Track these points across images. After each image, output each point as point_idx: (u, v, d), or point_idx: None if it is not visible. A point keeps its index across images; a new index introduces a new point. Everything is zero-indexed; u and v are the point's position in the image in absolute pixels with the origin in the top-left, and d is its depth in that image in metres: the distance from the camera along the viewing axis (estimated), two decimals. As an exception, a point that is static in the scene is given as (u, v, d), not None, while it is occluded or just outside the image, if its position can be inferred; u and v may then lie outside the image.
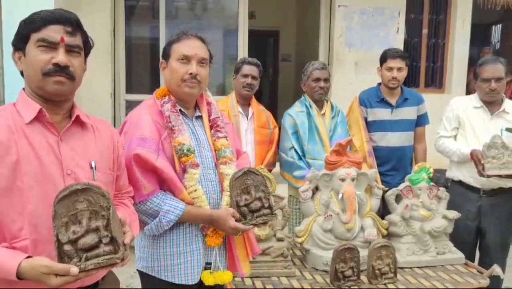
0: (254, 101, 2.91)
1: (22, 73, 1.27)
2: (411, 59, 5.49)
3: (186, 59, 1.61)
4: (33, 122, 1.20)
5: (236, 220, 1.58)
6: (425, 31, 5.47)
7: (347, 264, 2.19)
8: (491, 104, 2.66)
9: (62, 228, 1.08)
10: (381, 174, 2.92)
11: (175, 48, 1.65)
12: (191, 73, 1.59)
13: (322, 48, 5.32)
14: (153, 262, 1.60)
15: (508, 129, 2.61)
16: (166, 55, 1.68)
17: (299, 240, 2.43)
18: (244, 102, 2.85)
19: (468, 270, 2.40)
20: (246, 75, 2.80)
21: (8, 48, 2.24)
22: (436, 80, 5.58)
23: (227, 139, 1.71)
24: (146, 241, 1.62)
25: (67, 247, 1.07)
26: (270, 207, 1.67)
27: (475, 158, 2.48)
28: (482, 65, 2.65)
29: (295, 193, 2.76)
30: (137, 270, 1.69)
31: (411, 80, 5.48)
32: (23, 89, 1.28)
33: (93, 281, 1.29)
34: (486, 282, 2.28)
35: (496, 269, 2.32)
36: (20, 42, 1.24)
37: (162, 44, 4.85)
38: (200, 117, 1.73)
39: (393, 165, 2.93)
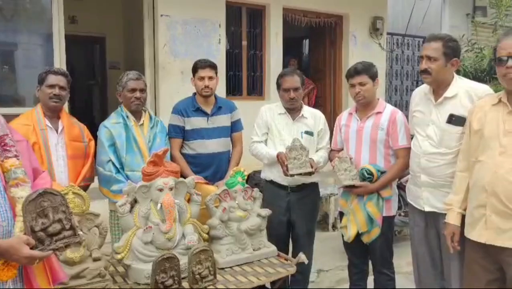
0: (64, 113, 2.70)
1: None
2: (234, 69, 5.87)
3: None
4: None
5: (31, 248, 1.45)
6: (244, 43, 5.90)
7: (167, 274, 2.21)
8: (292, 110, 3.01)
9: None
10: (207, 180, 3.02)
11: None
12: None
13: (147, 56, 5.29)
14: None
15: (307, 132, 2.99)
16: None
17: (119, 256, 2.35)
18: (52, 115, 2.62)
19: (279, 260, 2.67)
20: (52, 86, 2.58)
21: None
22: (257, 88, 6.06)
23: (18, 159, 1.55)
24: None
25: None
26: (72, 228, 1.58)
27: (280, 160, 2.78)
28: (283, 76, 2.99)
29: (115, 208, 2.67)
30: None
31: (235, 89, 5.84)
32: None
33: None
34: (293, 269, 2.57)
35: (301, 257, 2.63)
36: None
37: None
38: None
39: (214, 170, 3.07)
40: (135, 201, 2.43)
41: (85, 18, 6.84)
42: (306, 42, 8.06)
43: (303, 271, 3.09)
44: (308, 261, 3.08)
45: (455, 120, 2.34)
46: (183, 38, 5.24)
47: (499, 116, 1.99)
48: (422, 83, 2.59)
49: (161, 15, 5.12)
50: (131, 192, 2.40)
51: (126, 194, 2.40)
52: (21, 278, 1.54)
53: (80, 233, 1.63)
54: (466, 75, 6.16)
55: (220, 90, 5.39)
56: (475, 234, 2.05)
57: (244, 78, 5.92)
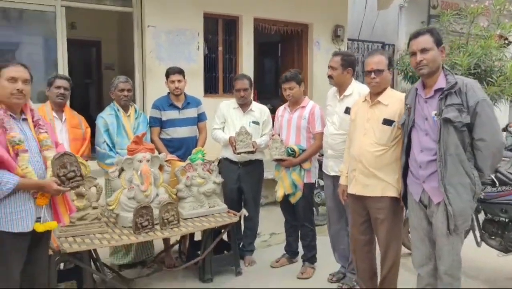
0: (67, 107, 3.64)
1: None
2: (212, 71, 6.83)
3: (13, 79, 2.37)
4: None
5: (58, 185, 2.41)
6: (220, 48, 6.86)
7: (144, 218, 3.20)
8: (243, 105, 3.98)
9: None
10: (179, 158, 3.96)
11: (4, 72, 2.38)
12: (18, 89, 2.36)
13: (137, 61, 6.22)
14: None
15: (254, 122, 3.96)
16: (-4, 77, 2.39)
17: (110, 207, 3.34)
18: (58, 108, 3.55)
19: (228, 215, 3.67)
20: (59, 87, 3.51)
21: None
22: (231, 88, 6.99)
23: (47, 134, 2.51)
24: None
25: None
26: (81, 176, 2.54)
27: (230, 142, 3.77)
28: (236, 80, 3.98)
29: (108, 176, 3.62)
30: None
31: (212, 88, 6.80)
32: None
33: None
34: (236, 218, 3.58)
35: (243, 211, 3.64)
36: None
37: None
38: (25, 119, 2.49)
39: (184, 151, 4.01)
40: (122, 170, 3.41)
41: (84, 24, 7.76)
42: (279, 46, 8.99)
43: (251, 227, 4.09)
44: (255, 219, 4.10)
45: (349, 111, 3.31)
46: (167, 45, 6.18)
47: (364, 109, 2.97)
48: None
49: (148, 26, 6.06)
50: (120, 163, 3.38)
51: (116, 164, 3.38)
52: (50, 206, 2.50)
53: (86, 179, 2.60)
54: (407, 75, 7.16)
55: (199, 89, 6.40)
56: (351, 188, 3.04)
57: (220, 78, 6.88)
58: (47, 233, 2.54)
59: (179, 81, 3.91)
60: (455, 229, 2.41)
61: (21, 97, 2.40)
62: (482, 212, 3.76)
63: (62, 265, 3.33)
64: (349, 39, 8.09)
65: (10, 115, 2.39)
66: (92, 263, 3.16)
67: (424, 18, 8.92)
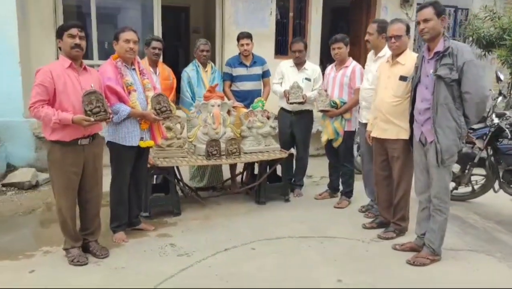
0: (160, 63, 4.71)
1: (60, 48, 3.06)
2: (283, 35, 7.61)
3: (127, 41, 3.44)
4: (68, 68, 3.02)
5: (154, 116, 3.50)
6: (291, 14, 7.59)
7: (213, 148, 4.23)
8: (298, 65, 4.79)
9: (86, 105, 2.94)
10: (245, 106, 4.93)
11: (121, 35, 3.46)
12: (131, 48, 3.43)
13: (218, 26, 7.23)
14: (115, 135, 3.44)
15: (306, 79, 4.76)
16: (116, 38, 3.48)
17: (190, 140, 4.43)
18: (154, 64, 4.63)
19: (282, 152, 4.60)
20: (154, 48, 4.58)
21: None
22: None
23: (148, 80, 3.60)
24: (112, 126, 3.45)
25: (88, 112, 2.95)
26: (170, 111, 3.60)
27: (285, 94, 4.63)
28: (293, 43, 4.77)
29: (189, 117, 4.70)
30: (107, 141, 3.54)
31: (282, 50, 7.60)
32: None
33: (93, 132, 3.16)
34: (286, 154, 4.50)
35: (292, 150, 4.54)
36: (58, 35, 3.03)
37: (93, 15, 6.43)
38: (134, 69, 3.57)
39: (249, 101, 4.94)
40: (199, 111, 4.46)
41: (175, -9, 8.92)
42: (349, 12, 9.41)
43: (301, 166, 4.99)
44: (305, 159, 4.98)
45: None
46: (243, 12, 7.07)
47: (386, 68, 3.64)
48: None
49: (228, -5, 6.99)
50: (198, 106, 4.43)
51: (195, 106, 4.44)
52: (149, 130, 3.59)
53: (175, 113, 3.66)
54: (479, 39, 7.34)
55: (270, 50, 7.27)
56: (374, 132, 3.77)
57: (290, 42, 7.63)
58: (147, 149, 3.68)
59: (247, 44, 4.81)
60: (442, 162, 3.08)
61: (132, 53, 3.47)
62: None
63: (154, 180, 4.52)
64: (418, 4, 8.30)
65: (125, 65, 3.49)
66: (176, 182, 4.31)
67: (504, -19, 8.73)
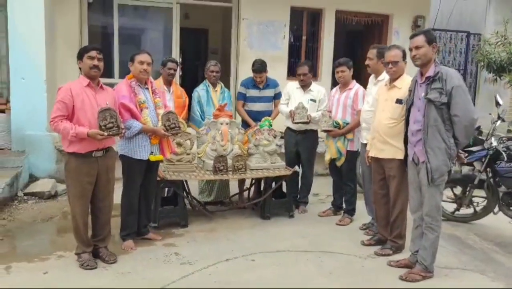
0: (174, 83, 5.01)
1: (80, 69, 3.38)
2: (295, 57, 7.88)
3: (141, 62, 3.74)
4: (86, 86, 3.32)
5: (164, 132, 3.76)
6: (304, 37, 7.87)
7: (220, 163, 4.46)
8: (304, 86, 5.02)
9: (101, 121, 3.23)
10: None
11: (136, 57, 3.76)
12: (144, 69, 3.72)
13: (233, 48, 7.56)
14: (127, 148, 3.72)
15: (311, 100, 4.98)
16: (132, 60, 3.79)
17: (199, 155, 4.68)
18: (168, 83, 4.94)
19: (286, 169, 4.79)
20: (170, 68, 4.88)
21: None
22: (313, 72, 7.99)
23: (159, 98, 3.88)
24: (125, 140, 3.73)
25: (102, 127, 3.23)
26: (179, 128, 3.85)
27: (291, 114, 4.85)
28: (298, 66, 5.01)
29: (199, 135, 4.96)
30: (120, 154, 3.81)
31: (294, 72, 7.82)
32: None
33: (107, 145, 3.43)
34: (290, 172, 4.69)
35: (296, 168, 4.72)
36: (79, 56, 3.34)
37: (116, 36, 6.85)
38: (147, 88, 3.86)
39: (260, 120, 5.19)
40: (209, 129, 4.72)
41: (195, 15, 9.30)
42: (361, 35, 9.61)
43: (306, 183, 5.16)
44: (309, 178, 5.15)
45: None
46: (257, 35, 7.38)
47: (384, 91, 3.83)
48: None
49: (243, 18, 7.32)
50: (207, 124, 4.69)
51: (205, 124, 4.70)
52: (159, 145, 3.86)
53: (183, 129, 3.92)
54: (490, 64, 7.46)
55: (283, 72, 7.53)
56: (372, 152, 3.94)
57: (299, 65, 7.91)
58: (157, 163, 3.94)
59: (260, 77, 5.10)
60: (432, 180, 3.23)
61: (146, 74, 3.77)
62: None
63: (165, 193, 4.76)
64: (433, 29, 8.47)
65: (139, 85, 3.78)
66: (185, 195, 4.55)
67: (516, 7, 8.86)
